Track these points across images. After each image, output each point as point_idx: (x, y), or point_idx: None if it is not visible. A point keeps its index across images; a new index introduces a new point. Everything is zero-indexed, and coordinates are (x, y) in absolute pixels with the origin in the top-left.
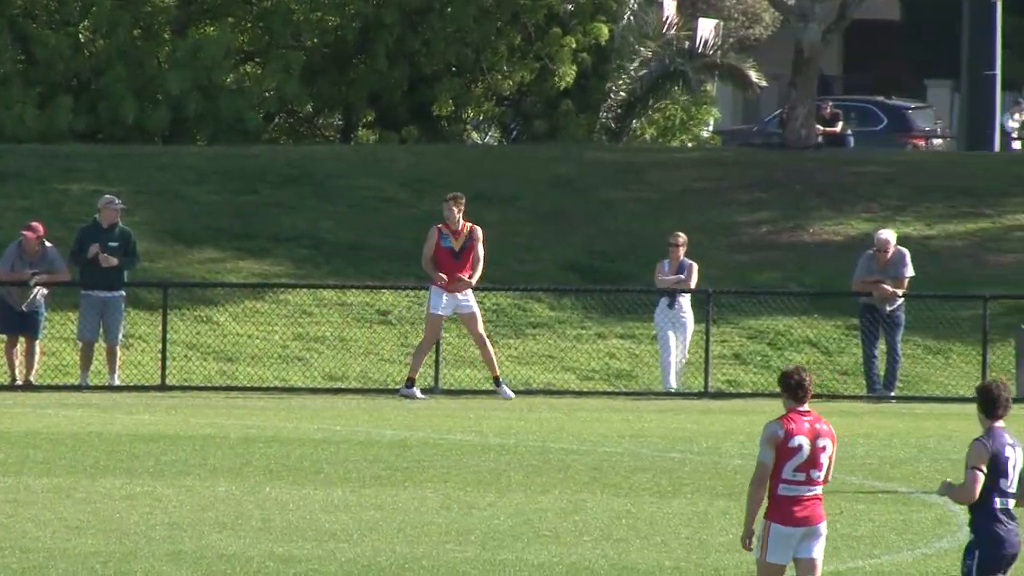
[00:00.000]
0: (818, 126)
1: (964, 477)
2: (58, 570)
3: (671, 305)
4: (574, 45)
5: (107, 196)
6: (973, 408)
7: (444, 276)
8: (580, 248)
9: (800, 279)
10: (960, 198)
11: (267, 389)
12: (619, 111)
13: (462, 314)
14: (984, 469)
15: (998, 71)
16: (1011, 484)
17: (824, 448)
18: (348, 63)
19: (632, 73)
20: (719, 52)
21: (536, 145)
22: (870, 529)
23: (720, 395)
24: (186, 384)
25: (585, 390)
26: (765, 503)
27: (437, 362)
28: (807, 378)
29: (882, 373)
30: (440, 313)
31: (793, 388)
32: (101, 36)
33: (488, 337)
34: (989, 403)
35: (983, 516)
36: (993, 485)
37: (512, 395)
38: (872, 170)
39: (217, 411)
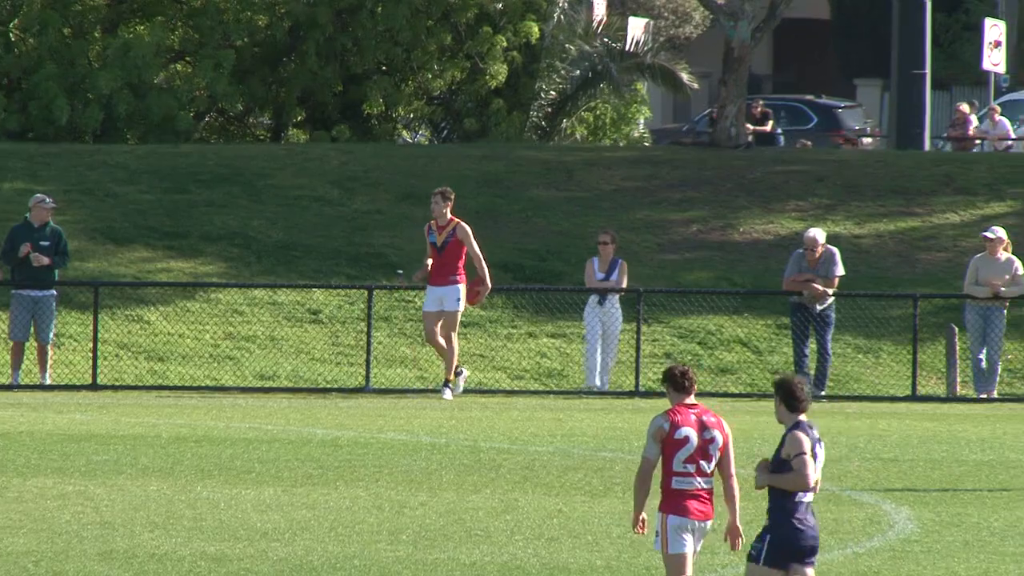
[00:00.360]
0: (748, 125)
1: (793, 465)
2: None
3: (601, 303)
4: (504, 44)
5: (38, 195)
6: (905, 407)
7: (425, 270)
8: (511, 247)
9: (731, 278)
10: (890, 197)
11: (198, 388)
12: (550, 110)
13: (443, 311)
14: (811, 454)
15: (927, 70)
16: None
17: (712, 439)
18: (278, 62)
19: (563, 72)
20: (649, 51)
21: (467, 144)
22: None
23: (651, 394)
24: (117, 383)
25: (516, 389)
26: (659, 497)
27: (368, 362)
28: (691, 371)
29: (813, 372)
30: (429, 310)
31: (678, 379)
32: (31, 35)
33: (420, 337)
34: (791, 397)
35: (783, 506)
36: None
37: (451, 398)
38: (802, 169)
39: (148, 410)
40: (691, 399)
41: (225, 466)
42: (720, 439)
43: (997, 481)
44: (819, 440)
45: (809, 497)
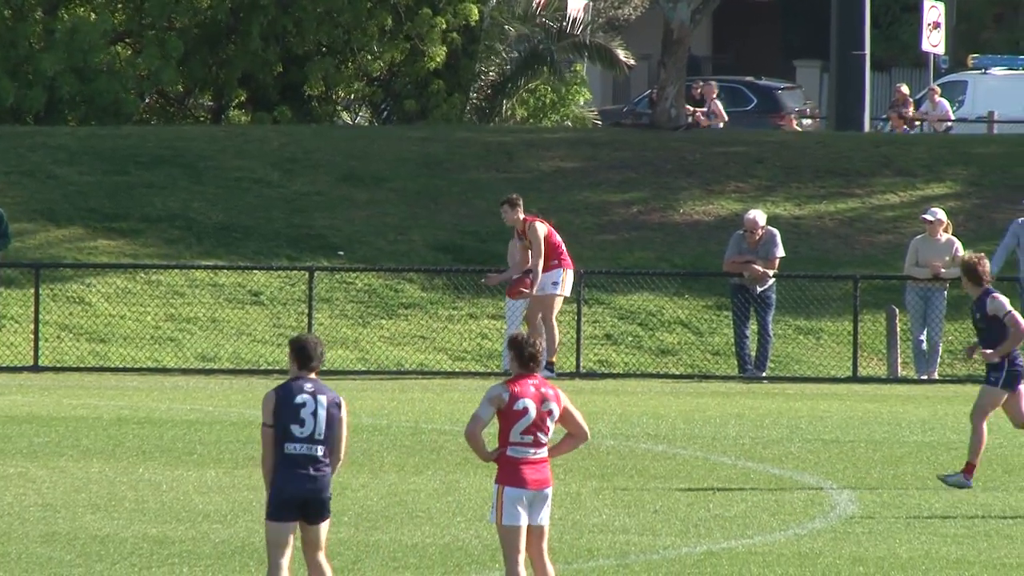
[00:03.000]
0: (688, 106)
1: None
2: None
3: None
4: (444, 26)
5: None
6: (846, 388)
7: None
8: (451, 229)
9: (671, 259)
10: (830, 178)
11: (140, 370)
12: (489, 92)
13: (545, 293)
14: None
15: (867, 51)
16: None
17: (550, 412)
18: (219, 44)
19: (502, 54)
20: (587, 31)
21: (406, 126)
22: (743, 509)
23: (591, 375)
24: (59, 365)
25: (457, 371)
26: (495, 468)
27: None
28: (540, 349)
29: (753, 353)
30: (536, 293)
31: (526, 359)
32: None
33: (361, 318)
34: (303, 356)
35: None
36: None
37: (545, 375)
38: (742, 150)
39: (90, 392)
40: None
41: (167, 448)
42: (557, 411)
43: (938, 462)
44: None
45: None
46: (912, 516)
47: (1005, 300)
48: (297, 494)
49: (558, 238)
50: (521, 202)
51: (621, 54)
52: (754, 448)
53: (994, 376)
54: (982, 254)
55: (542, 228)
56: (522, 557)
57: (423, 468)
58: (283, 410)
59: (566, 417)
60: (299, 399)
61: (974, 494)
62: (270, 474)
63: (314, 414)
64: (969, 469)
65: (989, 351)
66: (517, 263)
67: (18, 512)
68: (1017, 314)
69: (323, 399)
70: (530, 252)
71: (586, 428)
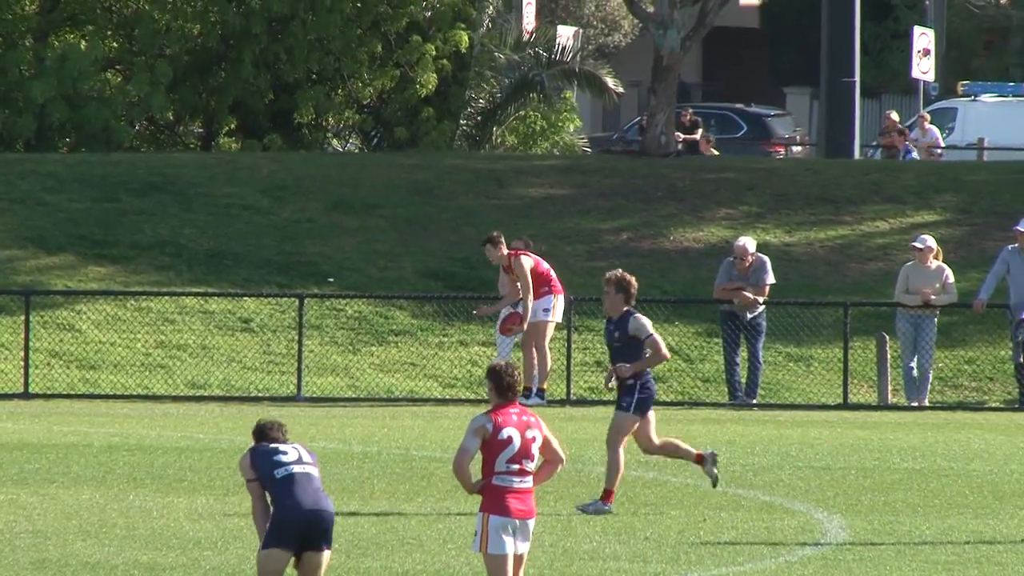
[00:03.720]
0: (678, 133)
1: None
2: None
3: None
4: (434, 53)
5: None
6: (836, 415)
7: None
8: (441, 255)
9: (661, 286)
10: (820, 205)
11: (130, 397)
12: (479, 119)
13: (537, 320)
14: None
15: (857, 78)
16: None
17: (534, 439)
18: (209, 71)
19: (492, 81)
20: (577, 59)
21: (397, 153)
22: (733, 536)
23: (582, 402)
24: (49, 392)
25: (448, 397)
26: (477, 497)
27: (299, 370)
28: (517, 378)
29: (744, 380)
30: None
31: (504, 389)
32: None
33: (351, 345)
34: (260, 434)
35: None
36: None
37: (535, 402)
38: (732, 177)
39: (80, 419)
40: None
41: (157, 475)
42: (540, 438)
43: (929, 489)
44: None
45: None
46: (903, 543)
47: (648, 322)
48: (299, 513)
49: (545, 266)
50: (502, 238)
51: (610, 82)
52: (745, 475)
53: (626, 401)
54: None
55: (527, 261)
56: None
57: (414, 495)
58: (260, 459)
59: (544, 443)
60: (272, 446)
61: (965, 520)
62: (261, 518)
63: (293, 448)
64: (607, 495)
65: (627, 365)
66: (508, 294)
67: (8, 539)
68: (659, 338)
69: (295, 443)
70: (519, 285)
71: (563, 454)
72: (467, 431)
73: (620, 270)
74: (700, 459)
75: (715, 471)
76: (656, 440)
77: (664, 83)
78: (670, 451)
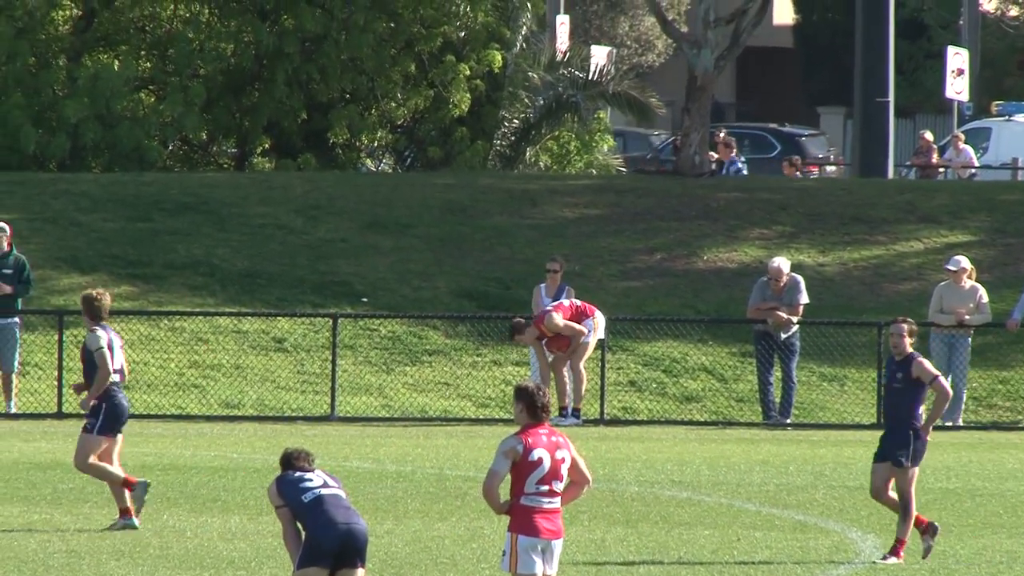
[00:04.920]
0: (712, 153)
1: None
2: None
3: None
4: (468, 73)
5: None
6: (870, 435)
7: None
8: (475, 275)
9: (695, 306)
10: (854, 225)
11: (163, 417)
12: (513, 139)
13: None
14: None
15: (891, 98)
16: None
17: (563, 460)
18: (243, 91)
19: (526, 101)
20: (612, 80)
21: (430, 172)
22: (767, 556)
23: (616, 422)
24: (83, 412)
25: (482, 417)
26: (507, 517)
27: (333, 390)
28: (548, 398)
29: (777, 400)
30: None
31: (537, 410)
32: None
33: (385, 365)
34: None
35: None
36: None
37: (571, 422)
38: (766, 197)
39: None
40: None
41: (191, 494)
42: (569, 459)
43: (963, 509)
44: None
45: None
46: (937, 562)
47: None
48: (334, 530)
49: (574, 302)
50: (522, 322)
51: (652, 102)
52: (779, 495)
53: (90, 423)
54: (102, 291)
55: (557, 317)
56: None
57: (448, 515)
58: (286, 487)
59: (572, 465)
60: (297, 475)
61: (999, 540)
62: (293, 541)
63: (318, 475)
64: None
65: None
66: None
67: (43, 559)
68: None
69: (318, 471)
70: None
71: (590, 475)
72: (497, 453)
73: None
74: (128, 484)
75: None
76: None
77: (698, 103)
78: (101, 474)
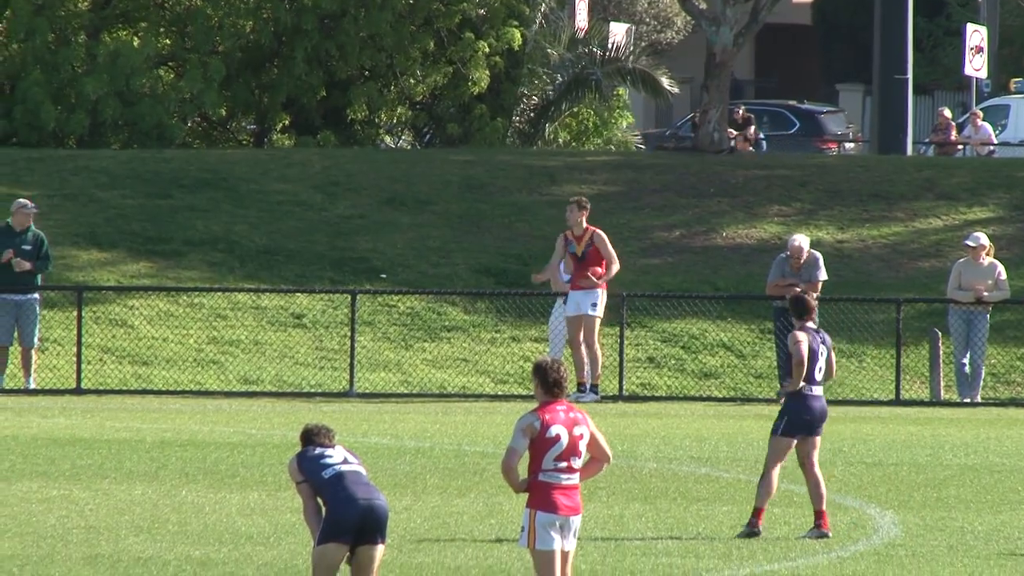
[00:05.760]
0: (731, 130)
1: None
2: None
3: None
4: (487, 50)
5: (20, 200)
6: (889, 411)
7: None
8: (494, 252)
9: (714, 282)
10: (873, 202)
11: (182, 393)
12: (532, 115)
13: (582, 315)
14: None
15: (910, 75)
16: None
17: (581, 436)
18: (262, 67)
19: (544, 78)
20: (631, 57)
21: (449, 149)
22: (785, 532)
23: (634, 398)
24: (101, 388)
25: (500, 393)
26: (526, 493)
27: (352, 366)
28: (564, 374)
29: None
30: (571, 314)
31: (550, 385)
32: (17, 41)
33: (403, 341)
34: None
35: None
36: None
37: (591, 398)
38: (785, 174)
39: (133, 415)
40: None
41: (210, 470)
42: (588, 435)
43: (981, 485)
44: None
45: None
46: (955, 539)
47: None
48: (355, 507)
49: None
50: (589, 207)
51: (665, 81)
52: (797, 471)
53: None
54: None
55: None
56: None
57: (466, 491)
58: (307, 463)
59: (591, 441)
60: (316, 451)
61: (1017, 516)
62: (313, 517)
63: (339, 452)
64: None
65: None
66: (553, 266)
67: (61, 534)
68: None
69: (338, 447)
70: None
71: (609, 452)
72: (515, 430)
73: None
74: None
75: None
76: None
77: (717, 80)
78: None
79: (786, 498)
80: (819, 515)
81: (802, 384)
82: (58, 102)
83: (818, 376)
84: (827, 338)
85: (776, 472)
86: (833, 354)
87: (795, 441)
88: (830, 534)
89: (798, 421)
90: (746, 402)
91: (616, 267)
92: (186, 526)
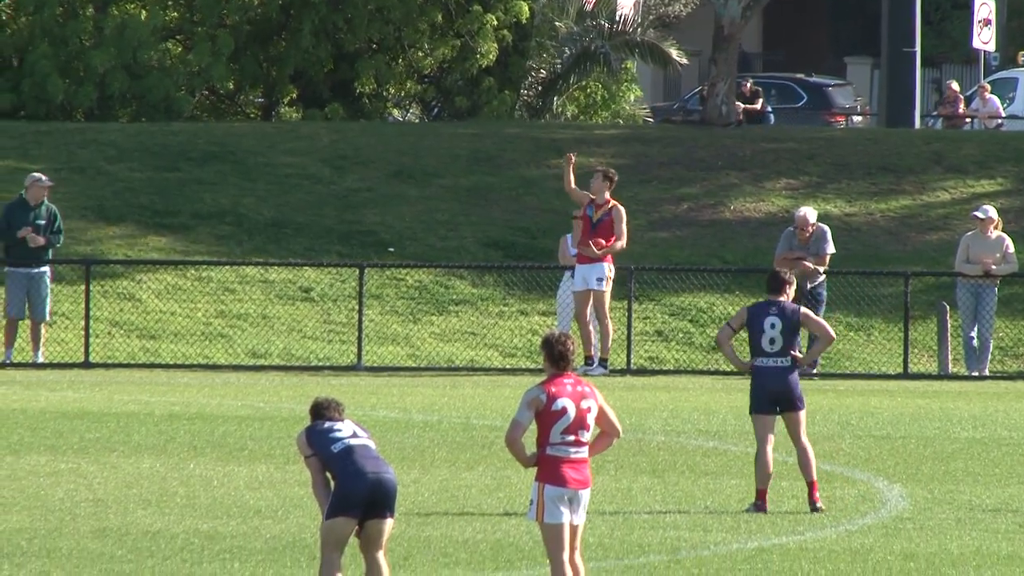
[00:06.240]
0: (738, 103)
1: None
2: None
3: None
4: (495, 23)
5: (35, 174)
6: (897, 385)
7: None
8: (502, 225)
9: (721, 256)
10: (881, 175)
11: (190, 366)
12: (540, 88)
13: (590, 289)
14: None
15: (918, 48)
16: None
17: (589, 409)
18: (270, 41)
19: (552, 51)
20: (639, 30)
21: (457, 122)
22: (793, 506)
23: (642, 372)
24: (109, 361)
25: (508, 367)
26: (535, 468)
27: (360, 339)
28: (571, 347)
29: (804, 350)
30: (578, 290)
31: (556, 358)
32: (26, 14)
33: (411, 314)
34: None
35: None
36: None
37: (599, 372)
38: (792, 147)
39: (141, 388)
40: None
41: (218, 443)
42: (596, 408)
43: (989, 458)
44: None
45: None
46: (963, 512)
47: None
48: (363, 480)
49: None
50: (615, 179)
51: (674, 53)
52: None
53: None
54: None
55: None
56: (567, 555)
57: (474, 464)
58: (316, 437)
59: (600, 415)
60: (325, 425)
61: None
62: (322, 491)
63: (348, 426)
64: None
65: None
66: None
67: (69, 508)
68: None
69: (347, 420)
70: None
71: (619, 426)
72: (520, 403)
73: None
74: None
75: None
76: None
77: (725, 53)
78: None
79: (792, 471)
80: (810, 486)
81: (756, 359)
82: (66, 75)
83: (768, 348)
84: (790, 309)
85: (766, 450)
86: (820, 320)
87: (771, 417)
88: (821, 507)
89: (760, 395)
90: (743, 374)
91: (621, 244)
92: (194, 499)
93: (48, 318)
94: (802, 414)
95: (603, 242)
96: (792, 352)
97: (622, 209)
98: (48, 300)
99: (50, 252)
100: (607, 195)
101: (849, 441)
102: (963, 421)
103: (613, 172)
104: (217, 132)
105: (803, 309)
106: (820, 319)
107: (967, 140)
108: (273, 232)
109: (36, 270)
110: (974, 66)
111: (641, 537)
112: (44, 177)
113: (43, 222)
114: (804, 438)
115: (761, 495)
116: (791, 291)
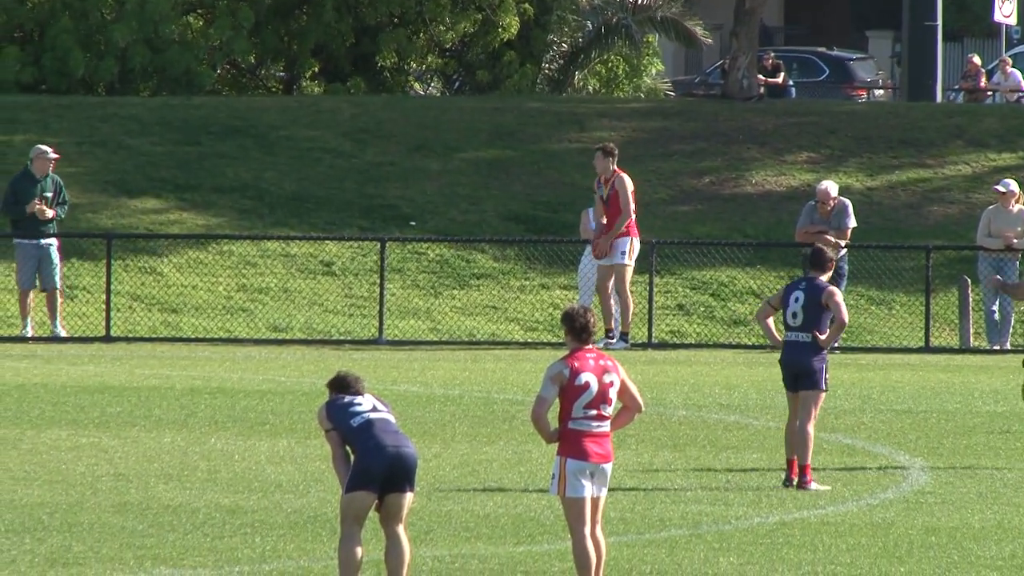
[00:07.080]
0: (760, 76)
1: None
2: (4, 521)
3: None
4: None
5: (40, 146)
6: (918, 359)
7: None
8: (523, 199)
9: (743, 230)
10: (902, 149)
11: (212, 340)
12: (561, 62)
13: (612, 263)
14: None
15: (939, 22)
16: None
17: (611, 383)
18: (291, 14)
19: (574, 24)
20: (661, 3)
21: (478, 96)
22: (815, 479)
23: (664, 346)
24: (131, 335)
25: (530, 341)
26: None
27: (381, 313)
28: (592, 320)
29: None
30: (601, 263)
31: (578, 331)
32: None
33: (433, 288)
34: (341, 385)
35: None
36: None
37: (620, 346)
38: (814, 120)
39: (162, 362)
40: (588, 346)
41: (239, 418)
42: (618, 382)
43: (1011, 432)
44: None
45: None
46: (984, 486)
47: None
48: (384, 454)
49: (633, 206)
50: (616, 153)
51: (697, 30)
52: (826, 418)
53: None
54: None
55: (629, 183)
56: (588, 528)
57: (495, 438)
58: (336, 411)
59: (623, 389)
60: (346, 399)
61: None
62: (342, 464)
63: (367, 398)
64: None
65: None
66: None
67: (91, 482)
68: None
69: (368, 395)
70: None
71: (641, 400)
72: (544, 379)
73: None
74: None
75: None
76: None
77: (746, 26)
78: None
79: (815, 446)
80: (802, 470)
81: (786, 334)
82: (87, 49)
83: (792, 322)
84: (818, 286)
85: (793, 425)
86: (841, 303)
87: (793, 393)
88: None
89: (783, 370)
90: (776, 349)
91: (622, 217)
92: (215, 474)
93: (59, 285)
94: (813, 396)
95: (603, 243)
96: (815, 331)
97: (624, 177)
98: (57, 269)
99: (54, 225)
100: (612, 167)
101: (870, 415)
102: (984, 395)
103: (612, 145)
104: (238, 106)
105: (831, 288)
106: (841, 303)
107: (988, 114)
108: (294, 206)
109: (44, 241)
110: (995, 40)
111: (662, 511)
112: (50, 150)
113: (50, 194)
114: (809, 425)
115: (795, 467)
116: (831, 269)
